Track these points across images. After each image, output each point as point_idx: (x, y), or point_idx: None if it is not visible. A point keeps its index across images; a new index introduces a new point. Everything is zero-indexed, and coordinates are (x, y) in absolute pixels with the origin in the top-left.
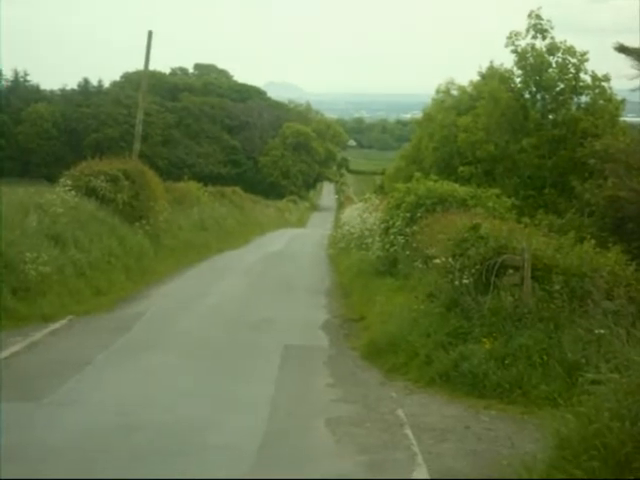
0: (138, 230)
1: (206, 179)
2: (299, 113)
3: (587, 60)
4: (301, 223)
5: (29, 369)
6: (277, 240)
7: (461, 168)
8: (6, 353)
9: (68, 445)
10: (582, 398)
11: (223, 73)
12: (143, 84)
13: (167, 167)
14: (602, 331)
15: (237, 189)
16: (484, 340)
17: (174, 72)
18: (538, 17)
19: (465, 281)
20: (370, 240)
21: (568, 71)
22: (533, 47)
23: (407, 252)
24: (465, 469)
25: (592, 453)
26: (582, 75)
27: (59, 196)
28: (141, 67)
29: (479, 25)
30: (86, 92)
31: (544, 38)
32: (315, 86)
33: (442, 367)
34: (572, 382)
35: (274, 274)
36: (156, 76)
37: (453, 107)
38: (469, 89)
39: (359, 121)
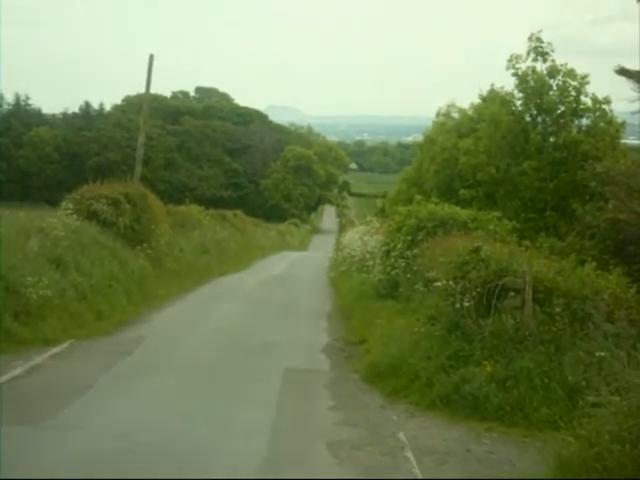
0: (140, 253)
1: (208, 202)
2: (300, 136)
3: (588, 83)
4: (302, 246)
5: (30, 393)
6: (278, 263)
7: (462, 191)
8: (7, 377)
9: (69, 469)
10: (583, 421)
11: (224, 96)
12: (144, 107)
13: (169, 190)
14: (603, 354)
15: (239, 212)
16: (485, 363)
17: (175, 95)
18: (539, 40)
19: (466, 304)
20: (371, 263)
21: (569, 94)
22: (534, 70)
23: (408, 275)
24: None
25: (593, 476)
26: (583, 98)
27: (60, 220)
28: (142, 91)
29: (480, 48)
30: (88, 116)
31: (545, 61)
32: (316, 109)
33: (443, 390)
34: (573, 405)
35: (275, 297)
36: (157, 99)
37: (454, 130)
38: (470, 112)
39: (360, 144)
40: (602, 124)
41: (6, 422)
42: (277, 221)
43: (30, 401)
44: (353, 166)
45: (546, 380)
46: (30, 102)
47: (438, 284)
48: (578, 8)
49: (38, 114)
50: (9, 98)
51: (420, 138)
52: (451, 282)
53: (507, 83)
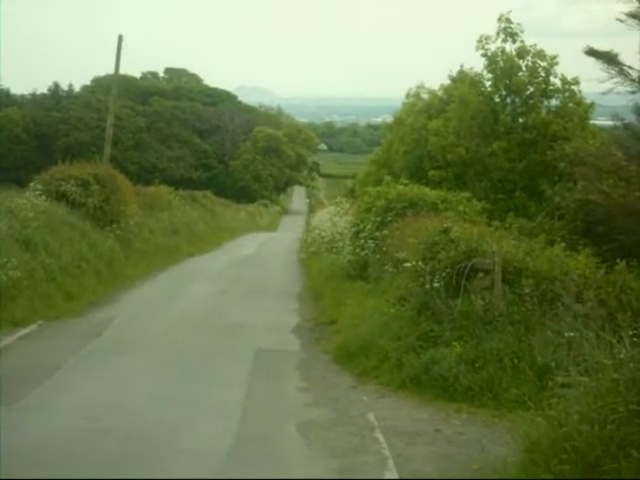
0: (109, 234)
1: (177, 183)
2: (270, 117)
3: (557, 64)
4: (272, 227)
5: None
6: (248, 244)
7: (432, 172)
8: None
9: (38, 450)
10: (552, 401)
11: (194, 77)
12: (113, 88)
13: (138, 171)
14: (572, 334)
15: (208, 193)
16: (455, 344)
17: (145, 76)
18: (508, 21)
19: (436, 285)
20: (341, 244)
21: (538, 75)
22: (503, 51)
23: (378, 256)
24: (435, 472)
25: (562, 456)
26: (552, 78)
27: (29, 201)
28: (112, 71)
29: (450, 29)
30: (56, 96)
31: (514, 42)
32: (286, 90)
33: (413, 371)
34: (542, 385)
35: (245, 278)
36: (127, 80)
37: (424, 111)
38: (440, 93)
39: (330, 125)
40: (571, 105)
41: None
42: (247, 202)
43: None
44: (323, 147)
45: (515, 361)
46: None
47: (408, 265)
48: None
49: (6, 95)
50: None
51: (389, 119)
52: (420, 263)
53: (476, 64)
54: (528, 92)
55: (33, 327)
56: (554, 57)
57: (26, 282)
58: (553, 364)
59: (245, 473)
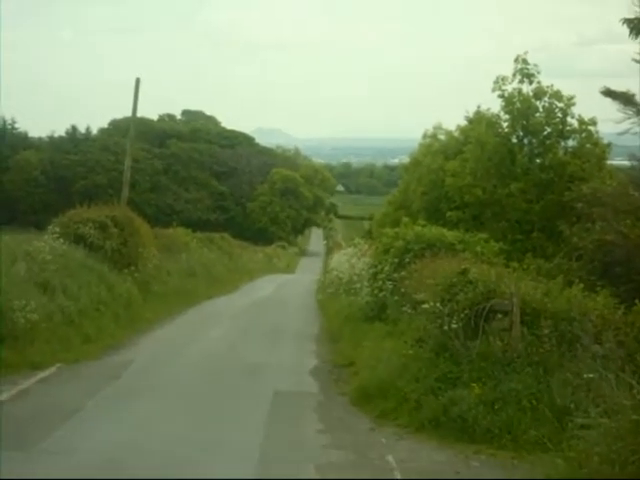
0: (127, 277)
1: (195, 225)
2: (287, 159)
3: (574, 104)
4: (290, 269)
5: (18, 417)
6: (266, 286)
7: (449, 213)
8: None
9: None
10: (572, 443)
11: (211, 119)
12: (131, 131)
13: (155, 213)
14: (591, 375)
15: (226, 235)
16: (473, 385)
17: (162, 118)
18: (525, 62)
19: (454, 326)
20: (359, 285)
21: (555, 115)
22: (520, 92)
23: (396, 297)
24: None
25: None
26: (569, 119)
27: (47, 244)
28: (129, 114)
29: (467, 70)
30: (74, 139)
31: (531, 82)
32: (303, 132)
33: (432, 412)
34: (562, 426)
35: (263, 320)
36: (144, 123)
37: (441, 151)
38: (456, 133)
39: (347, 166)
40: (588, 145)
41: None
42: (264, 244)
43: (18, 426)
44: (340, 188)
45: (534, 402)
46: (16, 126)
47: (426, 306)
48: (563, 30)
49: (24, 138)
50: None
51: (406, 160)
52: (439, 304)
53: (493, 105)
54: (545, 133)
55: (52, 370)
56: (571, 98)
57: (44, 325)
58: (572, 405)
59: None
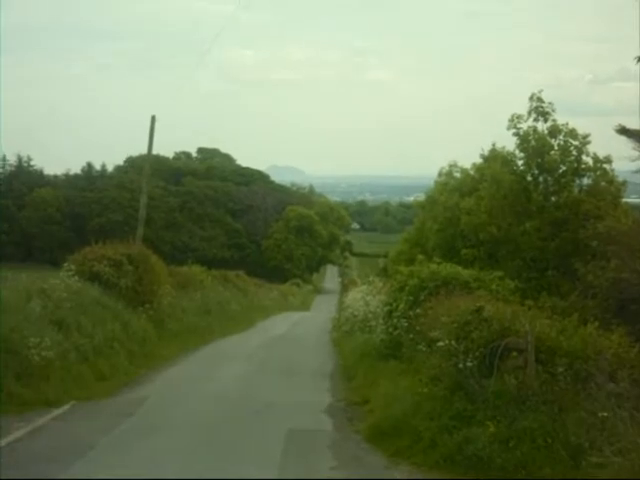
0: (142, 314)
1: (210, 263)
2: (302, 196)
3: (589, 142)
4: (305, 306)
5: (32, 454)
6: (281, 324)
7: (464, 250)
8: (10, 438)
9: None
10: None
11: (226, 157)
12: (146, 168)
13: (171, 251)
14: (606, 414)
15: (240, 273)
16: (488, 423)
17: (177, 156)
18: (539, 100)
19: (469, 364)
20: (374, 323)
21: (570, 153)
22: (535, 130)
23: (411, 335)
24: None
25: None
26: (584, 157)
27: (63, 281)
28: (144, 151)
29: (481, 108)
30: (90, 177)
31: (546, 120)
32: (318, 169)
33: (446, 450)
34: (576, 465)
35: (278, 358)
36: (160, 160)
37: (456, 189)
38: (472, 171)
39: (362, 204)
40: (603, 183)
41: None
42: (279, 281)
43: (33, 463)
44: (355, 226)
45: (549, 440)
46: (32, 163)
47: (441, 344)
48: (578, 68)
49: (40, 175)
50: (11, 159)
51: (422, 198)
52: (454, 342)
53: (508, 143)
54: (560, 171)
55: (66, 407)
56: (586, 136)
57: (59, 362)
58: (587, 444)
59: None
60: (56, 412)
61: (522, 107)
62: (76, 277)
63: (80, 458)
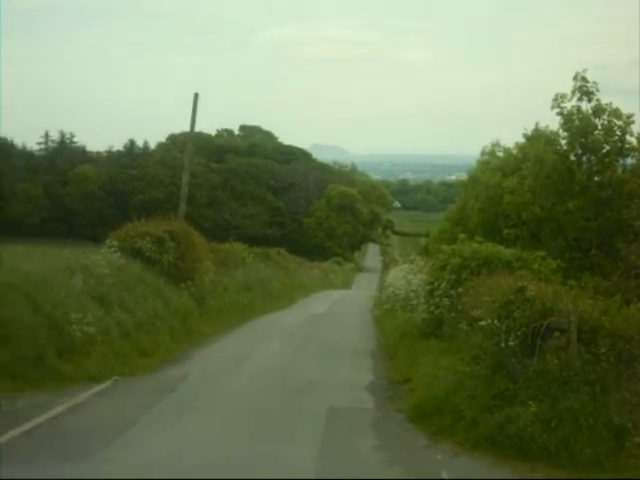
0: (183, 291)
1: (251, 240)
2: (344, 175)
3: (633, 122)
4: (346, 284)
5: (73, 430)
6: (321, 301)
7: (506, 230)
8: (51, 414)
9: None
10: (629, 462)
11: (268, 135)
12: (189, 146)
13: (212, 228)
14: None
15: (282, 250)
16: (530, 403)
17: (220, 134)
18: (584, 79)
19: (511, 343)
20: (415, 302)
21: (614, 133)
22: (579, 109)
23: (452, 314)
24: None
25: None
26: (628, 137)
27: (105, 257)
28: (187, 128)
29: (525, 87)
30: (132, 154)
31: (590, 100)
32: (360, 148)
33: (488, 430)
34: (619, 446)
35: (319, 336)
36: (202, 138)
37: (498, 169)
38: (514, 151)
39: (404, 183)
40: None
41: (50, 459)
42: (320, 259)
43: (74, 438)
44: (397, 205)
45: (591, 420)
46: (75, 140)
47: (482, 323)
48: (622, 48)
49: (83, 152)
50: (54, 136)
51: (464, 177)
52: (496, 321)
53: (552, 122)
54: (604, 150)
55: (108, 383)
56: (630, 116)
57: (101, 338)
58: (630, 425)
59: None
60: (98, 388)
61: (566, 87)
62: (118, 253)
63: (121, 435)
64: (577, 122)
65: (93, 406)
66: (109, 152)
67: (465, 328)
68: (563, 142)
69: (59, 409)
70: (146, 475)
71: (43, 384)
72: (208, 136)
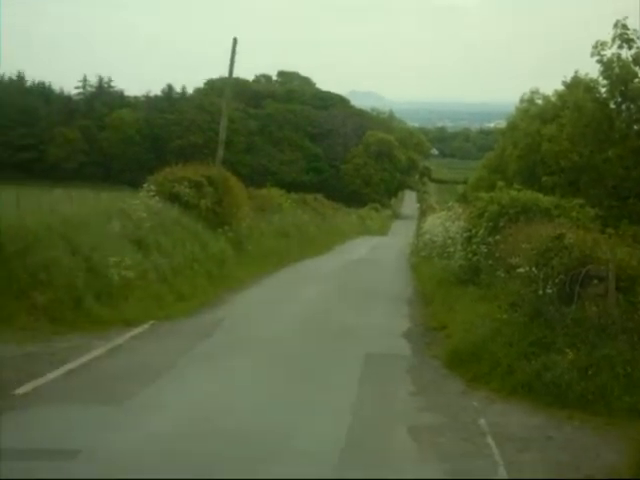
0: (221, 236)
1: (288, 186)
2: (382, 121)
3: None
4: (382, 231)
5: (111, 373)
6: (358, 248)
7: (545, 178)
8: (89, 357)
9: (146, 449)
10: None
11: (306, 81)
12: (227, 91)
13: (250, 174)
14: None
15: (319, 196)
16: (567, 350)
17: (258, 79)
18: (624, 27)
19: (549, 291)
20: (452, 249)
21: None
22: (619, 57)
23: (490, 261)
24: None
25: None
26: None
27: (142, 201)
28: (225, 74)
29: (564, 34)
30: (170, 98)
31: (630, 48)
32: (398, 95)
33: (524, 377)
34: None
35: (355, 281)
36: (240, 83)
37: (537, 116)
38: (553, 98)
39: (442, 130)
40: None
41: (87, 401)
42: (357, 206)
43: (111, 381)
44: (434, 152)
45: (628, 369)
46: (113, 84)
47: (520, 270)
48: None
49: (120, 96)
50: (92, 80)
51: (502, 124)
52: (533, 269)
53: (591, 70)
54: None
55: (145, 327)
56: None
57: (138, 282)
58: None
59: (356, 475)
60: (135, 331)
61: (607, 34)
62: (156, 198)
63: (158, 378)
64: (617, 70)
65: (130, 349)
66: (147, 97)
67: (502, 275)
68: (603, 90)
69: (97, 352)
70: (176, 420)
71: (81, 327)
72: (246, 81)
